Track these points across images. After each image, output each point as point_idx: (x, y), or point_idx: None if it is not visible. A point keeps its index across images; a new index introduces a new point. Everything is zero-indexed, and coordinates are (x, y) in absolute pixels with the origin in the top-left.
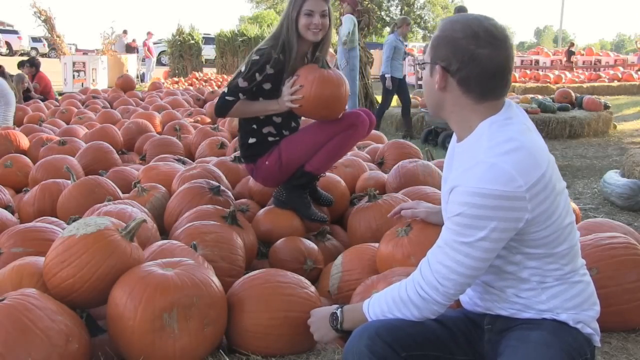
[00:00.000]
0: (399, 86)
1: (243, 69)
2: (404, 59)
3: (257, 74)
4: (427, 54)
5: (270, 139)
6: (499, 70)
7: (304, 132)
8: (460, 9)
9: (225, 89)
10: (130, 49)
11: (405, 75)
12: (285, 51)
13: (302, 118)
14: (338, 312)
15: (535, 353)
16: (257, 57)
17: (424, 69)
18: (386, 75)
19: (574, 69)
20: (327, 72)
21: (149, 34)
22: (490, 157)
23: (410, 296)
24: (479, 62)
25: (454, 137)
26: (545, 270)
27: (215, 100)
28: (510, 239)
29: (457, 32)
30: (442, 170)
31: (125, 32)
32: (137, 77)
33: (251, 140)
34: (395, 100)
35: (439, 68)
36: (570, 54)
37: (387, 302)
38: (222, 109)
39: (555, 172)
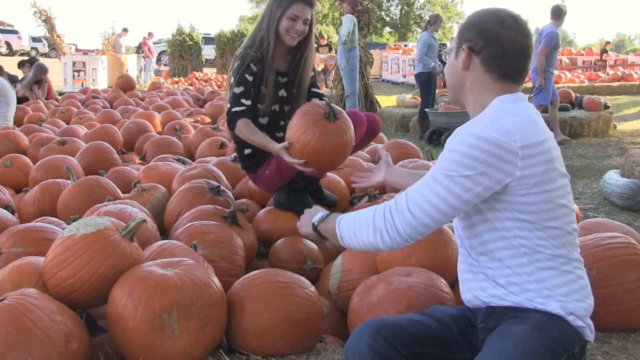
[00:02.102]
0: (430, 83)
1: (232, 79)
2: (438, 56)
3: (246, 75)
4: (454, 42)
5: None
6: (520, 53)
7: None
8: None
9: (228, 104)
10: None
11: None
12: (264, 49)
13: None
14: (322, 214)
15: (512, 348)
16: (239, 62)
17: (449, 56)
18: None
19: (607, 67)
20: (331, 127)
21: (149, 34)
22: (494, 114)
23: (375, 217)
24: (503, 43)
25: None
26: (535, 245)
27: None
28: (501, 199)
29: (483, 17)
30: None
31: (125, 30)
32: (138, 77)
33: (247, 151)
34: (395, 101)
35: (465, 48)
36: (603, 52)
37: (355, 222)
38: (232, 120)
39: (558, 154)
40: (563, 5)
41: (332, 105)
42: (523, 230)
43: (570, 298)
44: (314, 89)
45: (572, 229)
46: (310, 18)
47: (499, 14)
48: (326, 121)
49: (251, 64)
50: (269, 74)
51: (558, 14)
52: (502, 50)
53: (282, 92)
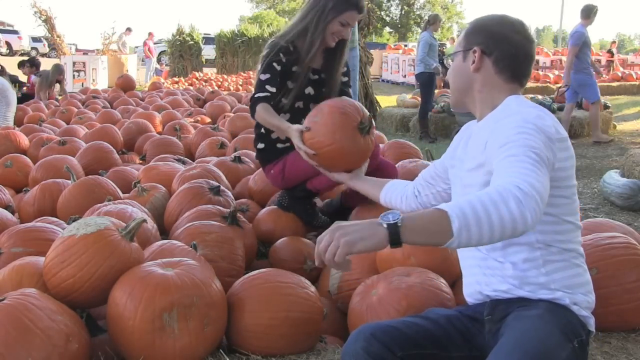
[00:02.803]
0: (431, 83)
1: (260, 66)
2: (439, 55)
3: (274, 64)
4: (458, 45)
5: (279, 145)
6: (527, 57)
7: None
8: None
9: (253, 91)
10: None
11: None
12: (303, 44)
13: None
14: (392, 215)
15: (533, 328)
16: (268, 49)
17: (454, 60)
18: (425, 71)
19: (612, 67)
20: (360, 140)
21: (149, 34)
22: (530, 109)
23: (509, 190)
24: (514, 45)
25: (460, 134)
26: (551, 239)
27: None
28: None
29: (492, 21)
30: None
31: (129, 29)
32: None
33: (260, 146)
34: (395, 101)
35: (478, 49)
36: (608, 52)
37: (480, 207)
38: (253, 106)
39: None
40: (594, 5)
41: (371, 119)
42: (542, 224)
43: (577, 291)
44: (344, 88)
45: (580, 225)
46: (355, 25)
47: (508, 18)
48: (359, 132)
49: (281, 54)
50: (303, 69)
51: (587, 13)
52: (514, 51)
53: (310, 90)
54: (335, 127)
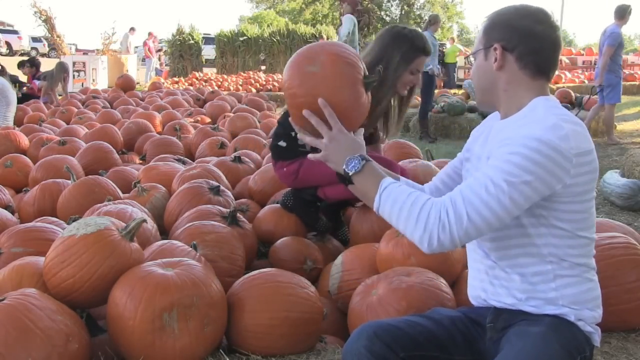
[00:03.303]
0: (431, 83)
1: None
2: (439, 56)
3: None
4: (479, 43)
5: (301, 148)
6: (553, 46)
7: None
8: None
9: None
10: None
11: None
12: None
13: None
14: (357, 162)
15: (533, 348)
16: None
17: (476, 58)
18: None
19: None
20: (364, 96)
21: (149, 34)
22: (552, 117)
23: (430, 215)
24: (537, 37)
25: (481, 127)
26: (564, 254)
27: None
28: (543, 205)
29: (512, 14)
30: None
31: (132, 29)
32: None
33: (282, 143)
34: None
35: (499, 47)
36: None
37: (401, 204)
38: None
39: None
40: (627, 5)
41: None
42: (555, 237)
43: (584, 306)
44: None
45: (594, 237)
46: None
47: (528, 9)
48: (363, 88)
49: None
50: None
51: (622, 13)
52: (537, 45)
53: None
54: (342, 82)
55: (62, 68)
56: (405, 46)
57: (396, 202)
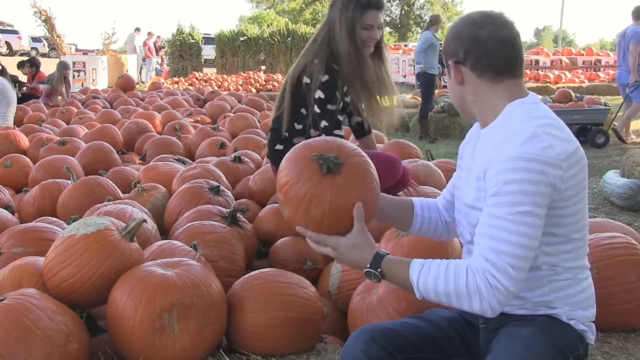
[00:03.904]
0: (432, 83)
1: (322, 95)
2: (440, 55)
3: (337, 93)
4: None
5: None
6: (504, 44)
7: None
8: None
9: (325, 123)
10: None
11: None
12: (345, 64)
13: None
14: (374, 257)
15: (523, 350)
16: (328, 77)
17: (448, 78)
18: (419, 67)
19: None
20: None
21: (149, 34)
22: (529, 127)
23: (478, 285)
24: (482, 41)
25: (472, 131)
26: (557, 260)
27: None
28: None
29: (456, 26)
30: (441, 171)
31: (138, 29)
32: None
33: (278, 147)
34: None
35: (451, 63)
36: None
37: (444, 286)
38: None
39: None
40: None
41: (328, 155)
42: (549, 245)
43: (577, 307)
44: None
45: (587, 236)
46: (382, 21)
47: (469, 16)
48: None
49: (339, 81)
50: (355, 87)
51: (639, 14)
52: (485, 49)
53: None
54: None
55: (63, 66)
56: (351, 5)
57: (437, 284)
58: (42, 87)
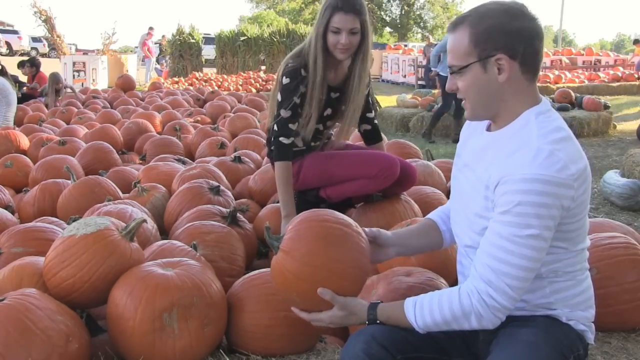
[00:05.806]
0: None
1: (279, 97)
2: None
3: (294, 98)
4: (467, 55)
5: (295, 149)
6: (541, 41)
7: (330, 158)
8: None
9: (275, 128)
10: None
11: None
12: (311, 67)
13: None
14: (368, 309)
15: (523, 350)
16: (289, 79)
17: (464, 73)
18: (433, 69)
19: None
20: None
21: (149, 33)
22: (546, 144)
23: (474, 306)
24: (535, 36)
25: (468, 130)
26: (560, 266)
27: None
28: None
29: (502, 18)
30: (441, 171)
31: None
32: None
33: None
34: (395, 101)
35: (504, 57)
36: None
37: (440, 314)
38: (278, 152)
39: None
40: None
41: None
42: (551, 254)
43: (577, 308)
44: (368, 114)
45: (588, 242)
46: (358, 27)
47: (513, 7)
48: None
49: (300, 86)
50: (318, 94)
51: None
52: (538, 44)
53: (328, 111)
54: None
55: (53, 79)
56: (324, 7)
57: (434, 316)
58: (43, 99)
